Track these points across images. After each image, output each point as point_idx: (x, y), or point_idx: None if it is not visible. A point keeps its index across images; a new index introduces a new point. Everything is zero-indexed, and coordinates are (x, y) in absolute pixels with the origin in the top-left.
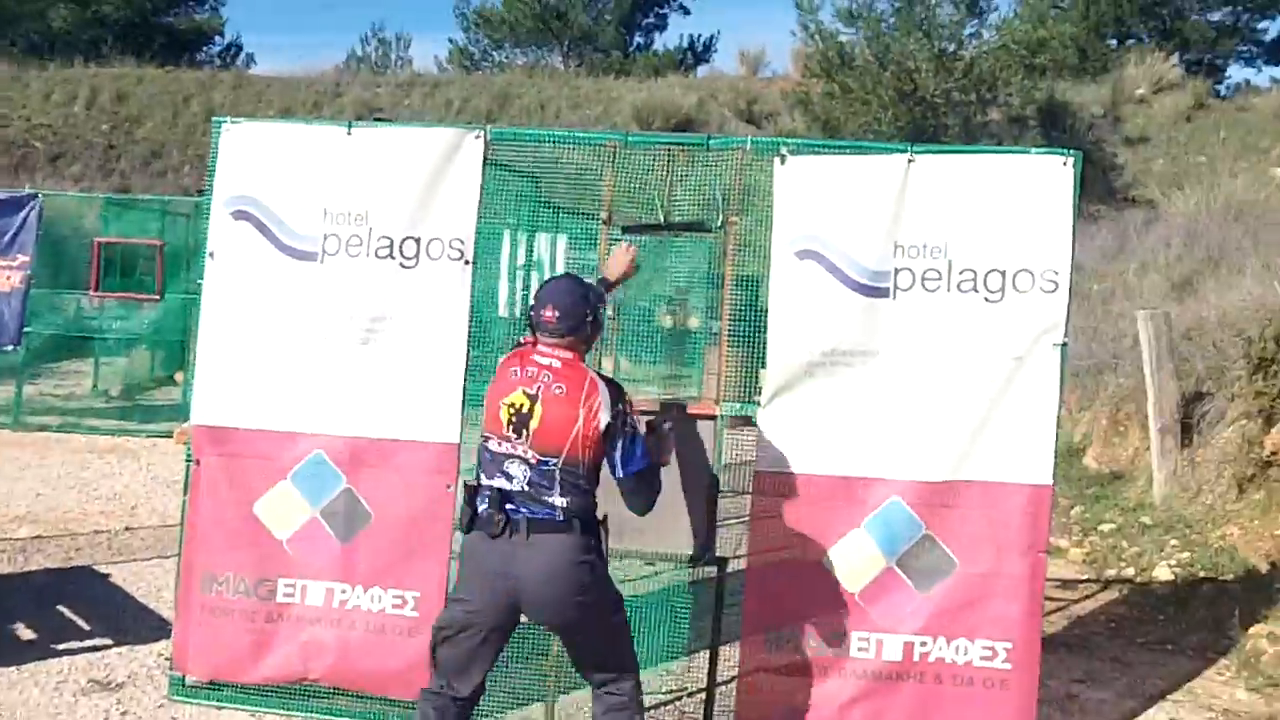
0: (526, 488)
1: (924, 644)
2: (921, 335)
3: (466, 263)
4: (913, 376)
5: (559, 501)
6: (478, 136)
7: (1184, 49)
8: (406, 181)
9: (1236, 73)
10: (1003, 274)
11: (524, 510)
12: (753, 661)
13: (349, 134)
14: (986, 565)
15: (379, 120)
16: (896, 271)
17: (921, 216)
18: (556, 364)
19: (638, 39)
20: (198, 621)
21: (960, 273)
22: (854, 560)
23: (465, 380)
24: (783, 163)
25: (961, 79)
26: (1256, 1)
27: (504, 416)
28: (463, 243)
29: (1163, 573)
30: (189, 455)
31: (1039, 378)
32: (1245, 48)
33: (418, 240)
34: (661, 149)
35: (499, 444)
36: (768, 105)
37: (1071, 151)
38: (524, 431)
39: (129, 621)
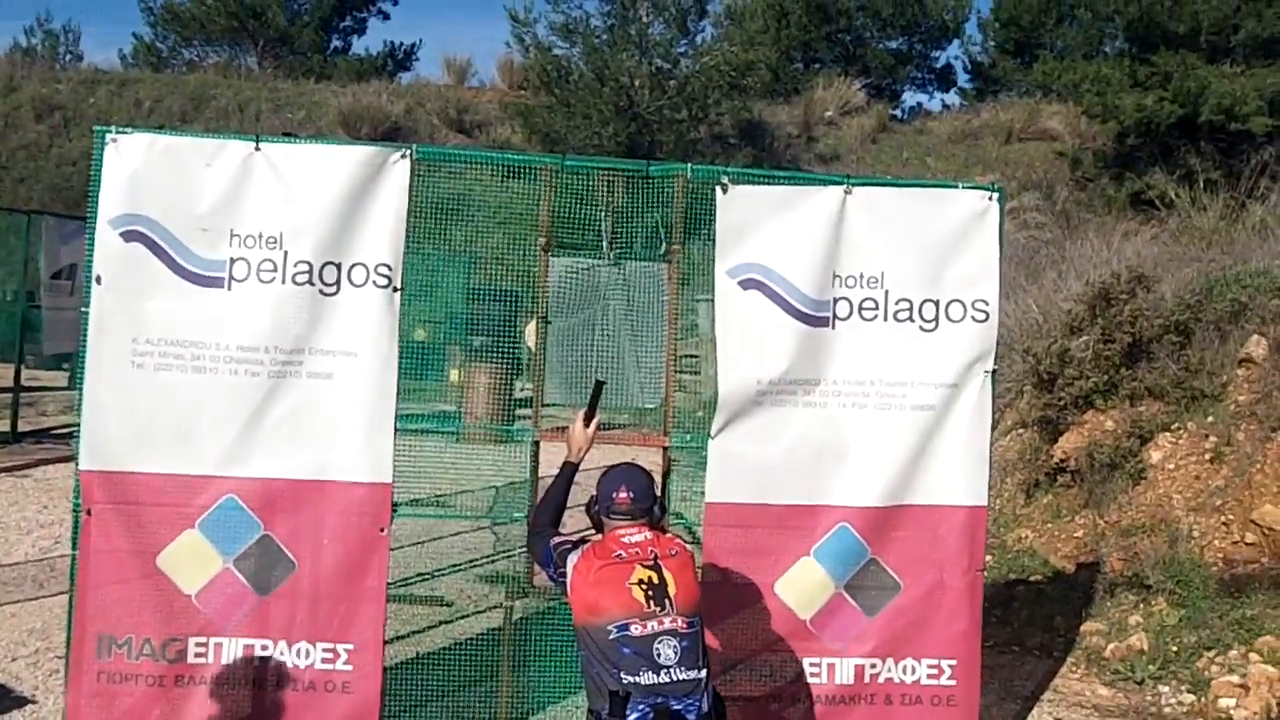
0: (678, 671)
1: (874, 666)
2: (861, 364)
3: (395, 290)
4: (855, 404)
5: (702, 674)
6: (403, 156)
7: (866, 74)
8: (324, 203)
9: (911, 97)
10: (936, 304)
11: (674, 704)
12: None
13: (257, 149)
14: (929, 586)
15: (287, 136)
16: (835, 301)
17: (858, 247)
18: (649, 535)
19: (335, 43)
20: (94, 690)
21: (896, 303)
22: (804, 587)
23: (397, 414)
24: (725, 192)
25: (675, 97)
26: (928, 32)
27: (640, 595)
28: (389, 269)
29: None
30: (77, 504)
31: (973, 404)
32: (919, 74)
33: (339, 266)
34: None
35: (641, 625)
36: (479, 115)
37: (995, 186)
38: (666, 601)
39: None
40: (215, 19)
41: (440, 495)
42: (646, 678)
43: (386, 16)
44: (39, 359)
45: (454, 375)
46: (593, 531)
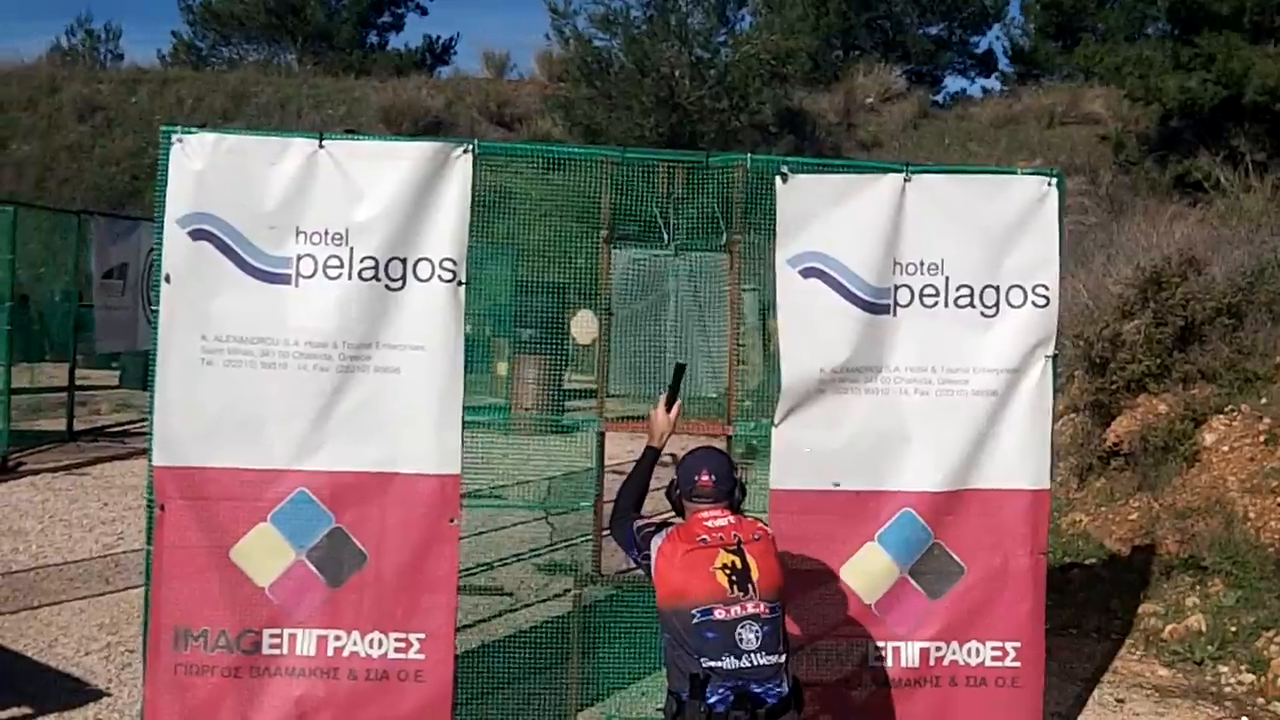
0: (759, 656)
1: (939, 649)
2: (923, 351)
3: (460, 284)
4: (917, 391)
5: (782, 659)
6: (466, 151)
7: (906, 61)
8: (389, 199)
9: (953, 83)
10: (997, 290)
11: (754, 688)
12: None
13: (320, 147)
14: (993, 569)
15: (349, 133)
16: (896, 288)
17: (918, 234)
18: (731, 519)
19: (373, 38)
20: (171, 681)
21: (957, 289)
22: (869, 572)
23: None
24: (785, 181)
25: (715, 86)
26: (969, 17)
27: (723, 580)
28: (454, 263)
29: None
30: (151, 499)
31: (1034, 388)
32: (960, 60)
33: (404, 261)
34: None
35: (725, 610)
36: (519, 108)
37: (1054, 171)
38: (749, 586)
39: (35, 685)
40: (254, 16)
41: (495, 486)
42: (729, 662)
43: (424, 11)
44: (89, 358)
45: (501, 369)
46: (673, 515)
